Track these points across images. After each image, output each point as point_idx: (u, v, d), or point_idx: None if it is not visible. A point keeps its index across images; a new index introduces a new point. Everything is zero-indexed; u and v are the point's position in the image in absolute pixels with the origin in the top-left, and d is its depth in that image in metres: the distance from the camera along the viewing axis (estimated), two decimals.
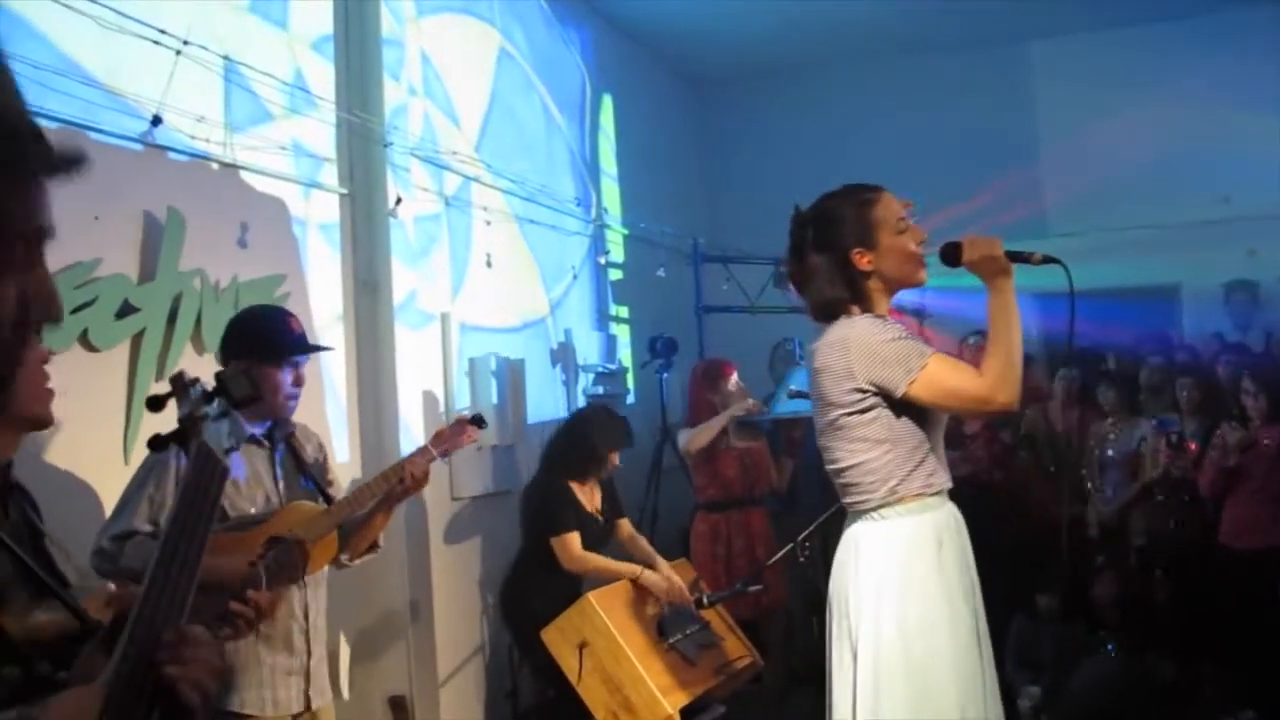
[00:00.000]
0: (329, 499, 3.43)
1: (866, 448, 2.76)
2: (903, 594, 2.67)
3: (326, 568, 3.44)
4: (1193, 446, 5.73)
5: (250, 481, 3.30)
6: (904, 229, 2.81)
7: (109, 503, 3.45)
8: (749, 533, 5.75)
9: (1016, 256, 2.74)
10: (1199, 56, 7.58)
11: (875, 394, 2.73)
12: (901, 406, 2.72)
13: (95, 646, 1.34)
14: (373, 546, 3.62)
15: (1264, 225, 7.28)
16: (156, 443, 1.67)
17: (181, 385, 1.71)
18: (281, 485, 3.37)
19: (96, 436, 3.45)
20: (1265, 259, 7.31)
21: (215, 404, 1.67)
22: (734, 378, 5.90)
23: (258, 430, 3.35)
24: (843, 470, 2.81)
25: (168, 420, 1.71)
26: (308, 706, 3.34)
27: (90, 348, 3.42)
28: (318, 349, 3.68)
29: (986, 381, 2.67)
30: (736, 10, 7.30)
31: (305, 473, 3.45)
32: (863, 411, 2.75)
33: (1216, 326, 7.35)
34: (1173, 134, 7.55)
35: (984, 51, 8.03)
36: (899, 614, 2.66)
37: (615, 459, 5.11)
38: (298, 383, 3.37)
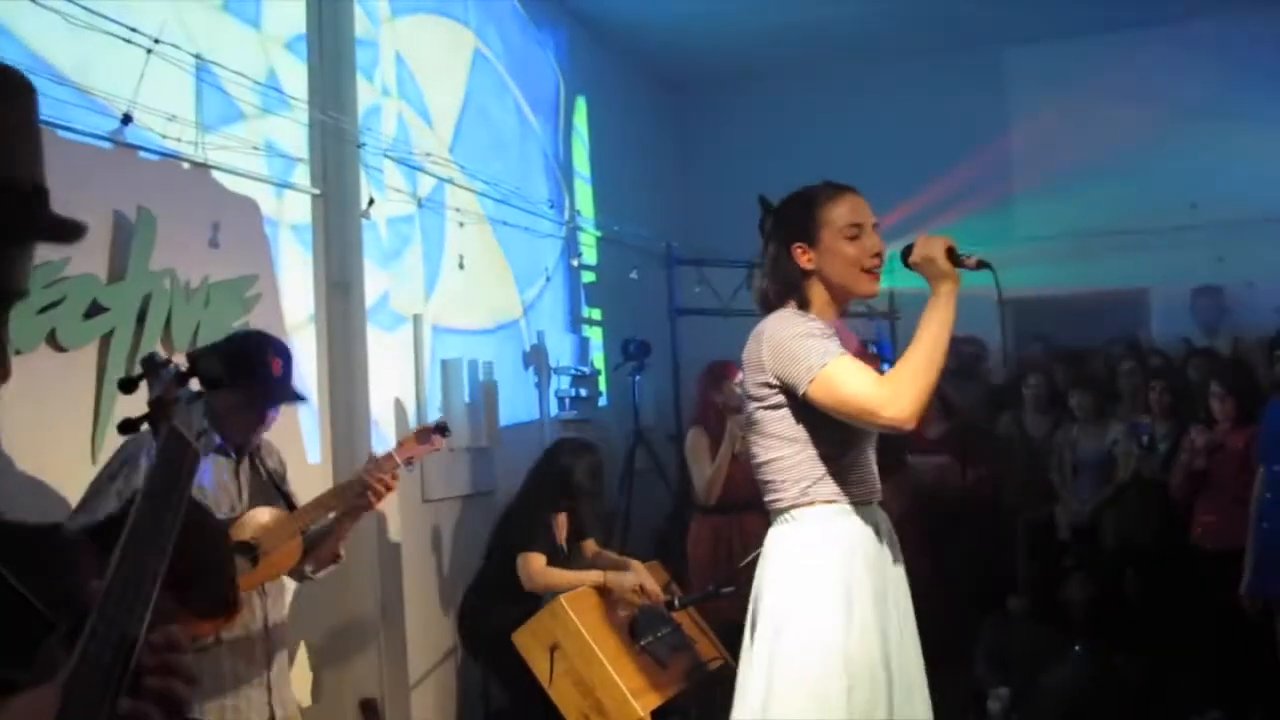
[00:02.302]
0: (290, 505, 3.42)
1: (779, 445, 2.66)
2: (802, 602, 2.58)
3: (288, 579, 3.43)
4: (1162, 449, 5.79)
5: (217, 490, 3.27)
6: (854, 235, 2.68)
7: (76, 504, 3.43)
8: (747, 535, 5.72)
9: (956, 260, 2.59)
10: (1168, 65, 7.66)
11: (781, 390, 2.62)
12: (806, 408, 2.60)
13: (56, 643, 1.29)
14: (335, 558, 3.59)
15: (1231, 231, 7.37)
16: (127, 426, 1.63)
17: (153, 366, 1.67)
18: (246, 496, 3.34)
19: (63, 437, 3.41)
20: (1232, 264, 7.40)
21: (188, 386, 1.63)
22: (737, 378, 5.86)
23: (224, 441, 3.33)
24: (759, 466, 2.72)
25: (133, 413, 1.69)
26: (271, 717, 3.30)
27: (58, 348, 3.39)
28: (302, 399, 3.61)
29: (880, 392, 2.49)
30: (711, 13, 7.32)
31: (271, 484, 3.43)
32: (773, 407, 2.66)
33: (1184, 330, 7.44)
34: (1142, 140, 7.63)
35: (957, 56, 8.09)
36: (797, 621, 2.57)
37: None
38: (276, 409, 3.36)
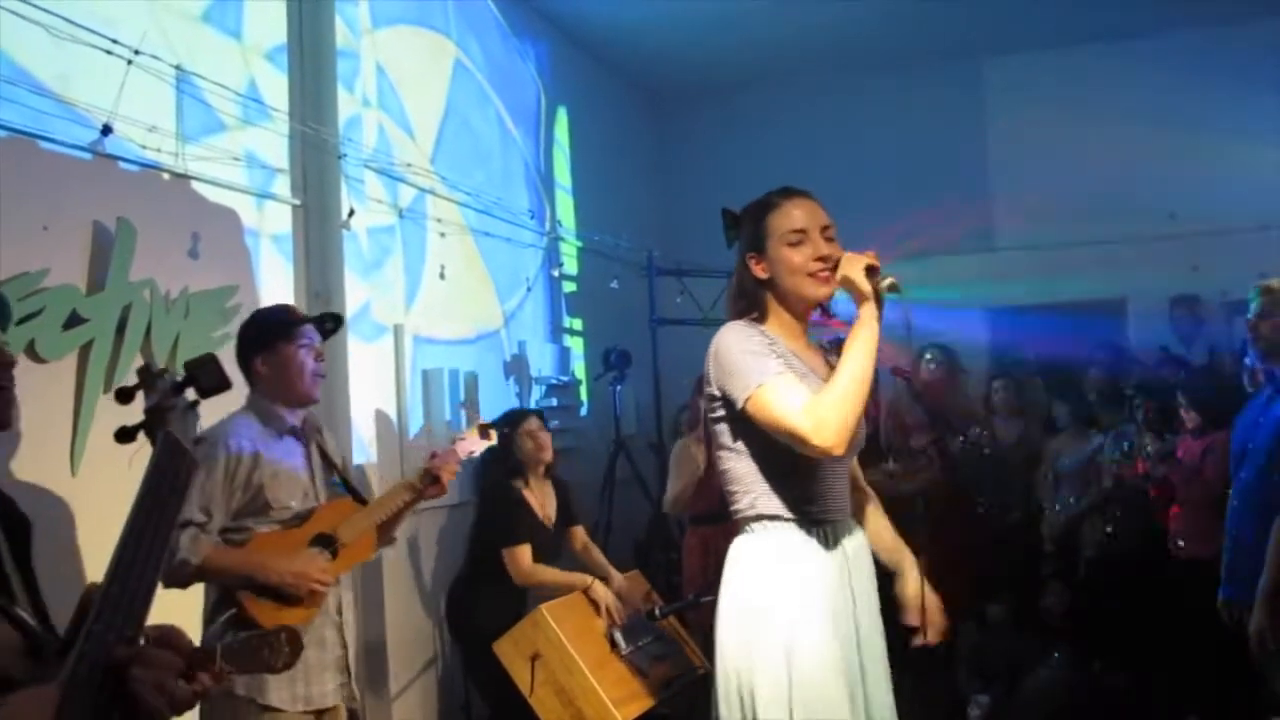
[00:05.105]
0: (359, 497, 3.55)
1: (730, 456, 2.69)
2: (750, 612, 2.60)
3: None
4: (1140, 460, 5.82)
5: (294, 474, 3.38)
6: (797, 241, 2.66)
7: (55, 516, 3.42)
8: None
9: (874, 281, 2.56)
10: (1147, 76, 7.71)
11: (725, 403, 2.65)
12: (749, 422, 2.60)
13: (57, 645, 1.32)
14: (390, 540, 3.79)
15: (1208, 241, 7.43)
16: (124, 434, 1.65)
17: (149, 376, 1.69)
18: (318, 482, 3.47)
19: (43, 448, 3.41)
20: (1208, 274, 7.45)
21: (185, 395, 1.65)
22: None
23: (295, 421, 3.45)
24: (721, 475, 2.75)
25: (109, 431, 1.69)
26: (350, 699, 3.45)
27: (37, 358, 3.38)
28: (324, 318, 3.68)
29: (806, 420, 2.47)
30: (692, 24, 7.35)
31: (334, 472, 3.56)
32: (720, 420, 2.68)
33: (1162, 340, 7.48)
34: (1119, 151, 7.69)
35: (937, 68, 8.14)
36: (742, 630, 2.59)
37: (538, 441, 5.04)
38: (319, 358, 3.47)
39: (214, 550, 3.18)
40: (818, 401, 2.49)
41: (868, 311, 2.56)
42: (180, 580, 3.13)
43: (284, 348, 3.40)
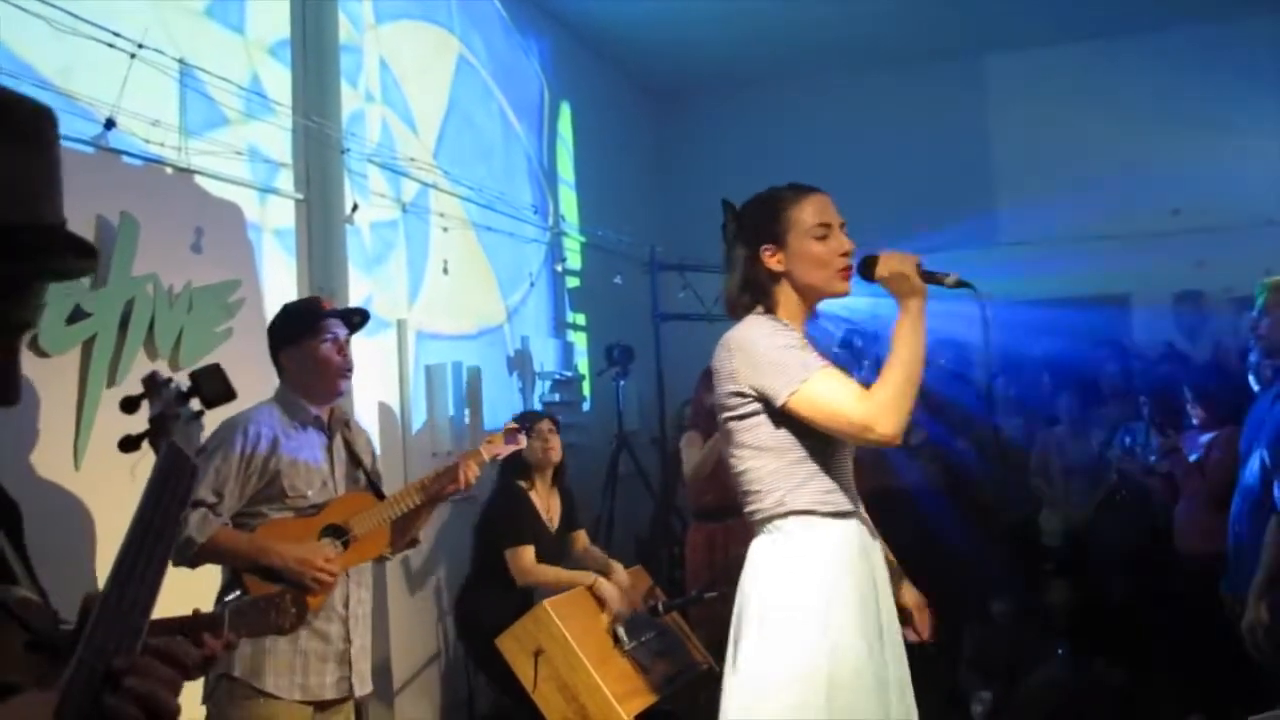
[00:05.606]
0: (378, 491, 3.57)
1: (752, 455, 2.66)
2: (784, 610, 2.57)
3: (371, 563, 3.60)
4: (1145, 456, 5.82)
5: (311, 465, 3.40)
6: (822, 235, 2.66)
7: (58, 510, 3.42)
8: (736, 541, 5.71)
9: (930, 277, 2.59)
10: (1150, 72, 7.72)
11: (756, 399, 2.61)
12: (782, 417, 2.58)
13: (59, 649, 1.32)
14: (413, 542, 3.76)
15: (1212, 237, 7.42)
16: (128, 443, 1.64)
17: (154, 385, 1.69)
18: (338, 475, 3.49)
19: (46, 443, 3.40)
20: (1213, 270, 7.45)
21: (190, 404, 1.65)
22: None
23: (318, 412, 3.48)
24: (736, 476, 2.72)
25: (117, 429, 1.68)
26: (351, 694, 3.44)
27: (40, 353, 3.38)
28: (350, 312, 3.70)
29: (867, 408, 2.49)
30: (695, 21, 7.35)
31: (358, 466, 3.57)
32: (744, 417, 2.65)
33: (1166, 335, 7.48)
34: (1124, 147, 7.68)
35: (939, 64, 8.14)
36: (778, 629, 2.56)
37: (548, 443, 5.02)
38: (341, 352, 3.49)
39: (222, 531, 3.21)
40: (878, 392, 2.51)
41: (917, 306, 2.58)
42: (186, 558, 3.16)
43: (308, 342, 3.44)
